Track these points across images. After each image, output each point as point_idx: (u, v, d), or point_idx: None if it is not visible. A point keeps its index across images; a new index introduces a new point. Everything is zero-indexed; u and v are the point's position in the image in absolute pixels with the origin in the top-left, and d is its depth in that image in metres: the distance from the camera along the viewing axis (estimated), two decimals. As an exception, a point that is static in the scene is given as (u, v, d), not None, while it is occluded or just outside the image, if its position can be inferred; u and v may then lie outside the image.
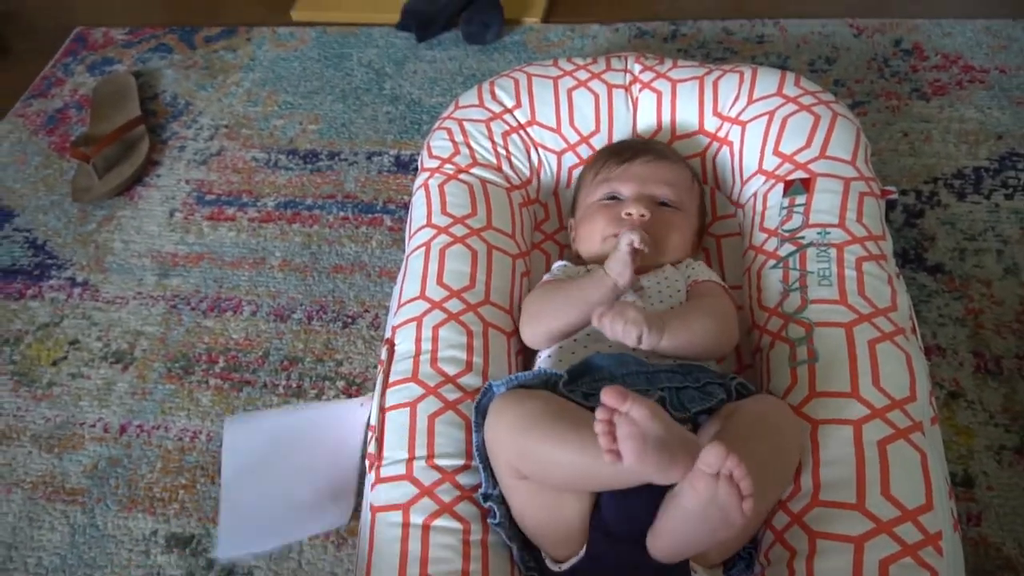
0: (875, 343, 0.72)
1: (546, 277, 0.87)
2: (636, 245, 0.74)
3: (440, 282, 0.83)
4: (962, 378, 0.90)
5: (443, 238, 0.88)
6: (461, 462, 0.72)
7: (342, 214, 1.19)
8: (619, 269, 0.75)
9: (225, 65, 1.47)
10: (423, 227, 0.90)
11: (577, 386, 0.68)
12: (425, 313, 0.81)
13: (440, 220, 0.89)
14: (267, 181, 1.26)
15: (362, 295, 1.09)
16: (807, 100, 0.92)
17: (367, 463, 0.75)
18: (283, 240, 1.17)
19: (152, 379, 1.04)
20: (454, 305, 0.82)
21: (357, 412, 0.81)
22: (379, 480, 0.72)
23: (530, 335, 0.81)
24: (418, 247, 0.88)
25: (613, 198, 0.88)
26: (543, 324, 0.80)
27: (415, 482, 0.70)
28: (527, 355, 0.85)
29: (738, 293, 0.89)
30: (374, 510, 0.71)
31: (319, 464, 0.89)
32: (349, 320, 1.06)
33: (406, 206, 1.18)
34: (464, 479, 0.71)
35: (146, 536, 0.90)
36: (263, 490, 0.89)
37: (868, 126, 1.16)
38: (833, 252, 0.79)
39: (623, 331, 0.66)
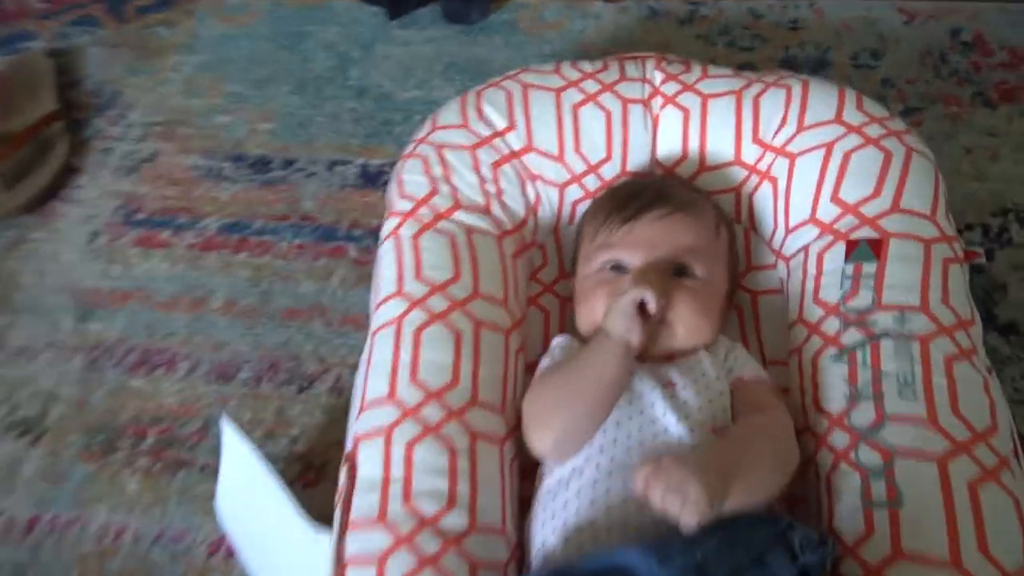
0: (977, 485, 0.56)
1: (544, 363, 0.70)
2: (651, 309, 0.60)
3: (414, 379, 0.65)
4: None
5: (418, 315, 0.69)
6: (443, 644, 0.56)
7: (298, 241, 1.00)
8: (625, 324, 0.61)
9: (161, 44, 1.24)
10: (393, 296, 0.71)
11: None
12: (395, 424, 0.64)
13: (414, 288, 0.71)
14: (208, 196, 1.05)
15: (321, 349, 0.91)
16: (874, 131, 0.74)
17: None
18: (227, 274, 0.98)
19: (67, 457, 0.86)
20: (432, 413, 0.64)
21: (316, 550, 0.64)
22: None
23: (539, 444, 0.64)
24: (386, 324, 0.70)
25: (617, 267, 0.70)
26: (551, 429, 0.63)
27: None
28: (526, 462, 0.68)
29: (780, 373, 0.73)
30: None
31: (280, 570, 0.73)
32: (306, 383, 0.88)
33: (374, 232, 0.99)
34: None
35: (60, 669, 0.74)
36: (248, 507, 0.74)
37: (925, 138, 0.97)
38: (916, 348, 0.62)
39: (683, 511, 0.50)
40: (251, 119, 1.12)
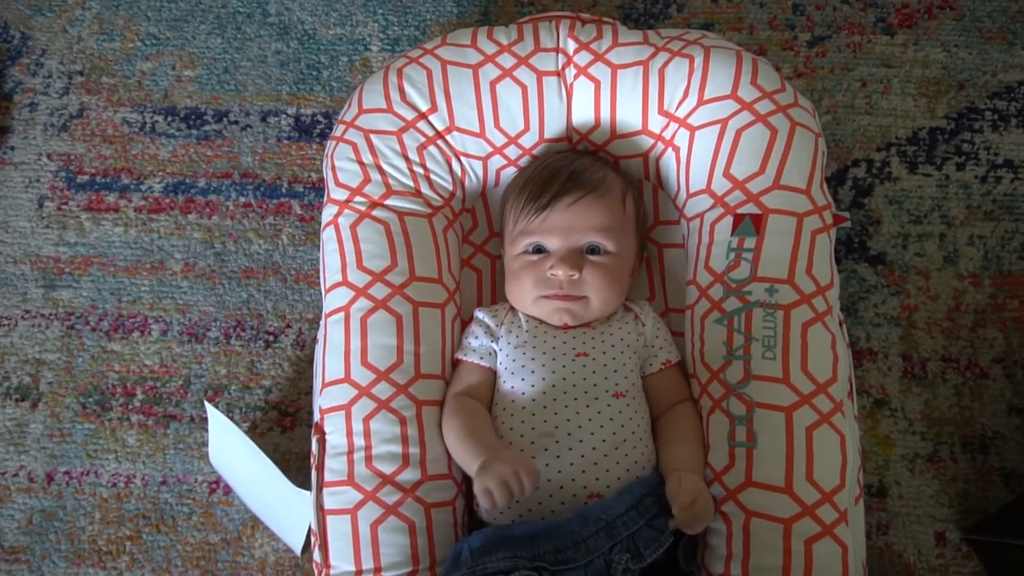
0: (812, 429, 0.72)
1: (458, 355, 0.82)
2: (498, 502, 0.66)
3: (365, 362, 0.77)
4: (889, 384, 0.93)
5: (363, 303, 0.79)
6: (408, 569, 0.73)
7: (243, 199, 1.05)
8: (487, 499, 0.67)
9: (60, -26, 1.17)
10: (339, 284, 0.81)
11: (544, 563, 0.65)
12: (353, 401, 0.76)
13: (357, 278, 0.80)
14: (147, 154, 1.08)
15: (280, 306, 1.00)
16: (764, 107, 0.81)
17: (315, 569, 0.75)
18: (180, 237, 1.04)
19: (67, 417, 0.98)
20: (382, 390, 0.76)
21: (300, 501, 0.79)
22: (329, 592, 0.73)
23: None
24: (336, 310, 0.80)
25: (538, 250, 0.80)
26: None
27: (365, 597, 0.72)
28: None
29: (679, 319, 0.86)
30: (330, 622, 0.73)
31: (272, 512, 0.89)
32: (271, 338, 0.99)
33: (315, 186, 1.05)
34: (412, 586, 0.73)
35: (103, 591, 0.91)
36: (237, 464, 0.88)
37: (826, 72, 1.04)
38: (779, 316, 0.75)
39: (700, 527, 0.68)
40: (175, 65, 1.11)
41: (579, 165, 0.83)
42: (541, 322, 0.81)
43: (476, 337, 0.82)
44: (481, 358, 0.80)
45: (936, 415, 0.91)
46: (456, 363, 0.82)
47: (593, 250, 0.80)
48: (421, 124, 0.85)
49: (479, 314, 0.83)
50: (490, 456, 0.68)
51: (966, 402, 0.92)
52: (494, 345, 0.81)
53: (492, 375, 0.80)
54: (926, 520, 0.88)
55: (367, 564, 0.72)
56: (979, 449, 0.91)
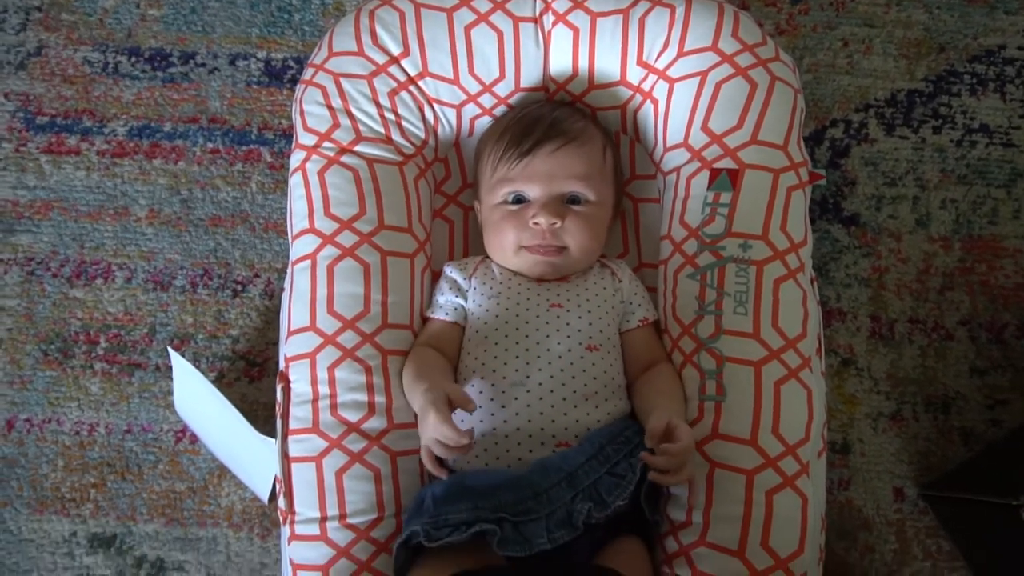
0: (780, 383, 0.72)
1: (426, 313, 0.81)
2: (437, 453, 0.67)
3: (331, 311, 0.76)
4: (856, 344, 0.94)
5: (330, 250, 0.77)
6: (373, 516, 0.73)
7: (211, 145, 1.02)
8: (428, 456, 0.68)
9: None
10: (306, 231, 0.79)
11: (506, 514, 0.65)
12: (318, 350, 0.75)
13: (324, 225, 0.78)
14: (110, 96, 1.04)
15: (249, 255, 0.98)
16: (744, 60, 0.79)
17: (280, 516, 0.75)
18: (145, 182, 1.01)
19: (28, 365, 0.96)
20: (348, 339, 0.75)
21: (266, 449, 0.78)
22: (295, 537, 0.73)
23: None
24: (303, 257, 0.78)
25: (518, 200, 0.78)
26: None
27: (330, 543, 0.71)
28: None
29: (652, 275, 0.86)
30: (295, 567, 0.73)
31: (238, 460, 0.89)
32: (239, 287, 0.97)
33: (285, 133, 1.02)
34: (378, 533, 0.73)
35: (66, 538, 0.90)
36: (203, 413, 0.88)
37: (808, 30, 1.02)
38: (752, 272, 0.75)
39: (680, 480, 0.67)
40: (138, 3, 1.07)
41: (560, 114, 0.81)
42: (515, 274, 0.80)
43: (442, 293, 0.81)
44: (447, 314, 0.79)
45: (901, 375, 0.93)
46: (425, 320, 0.81)
47: (574, 199, 0.79)
48: (393, 68, 0.83)
49: (447, 269, 0.82)
50: (423, 411, 0.67)
51: (930, 363, 0.93)
52: (461, 300, 0.80)
53: (459, 329, 0.79)
54: (886, 476, 0.90)
55: (332, 511, 0.72)
56: (941, 409, 0.92)
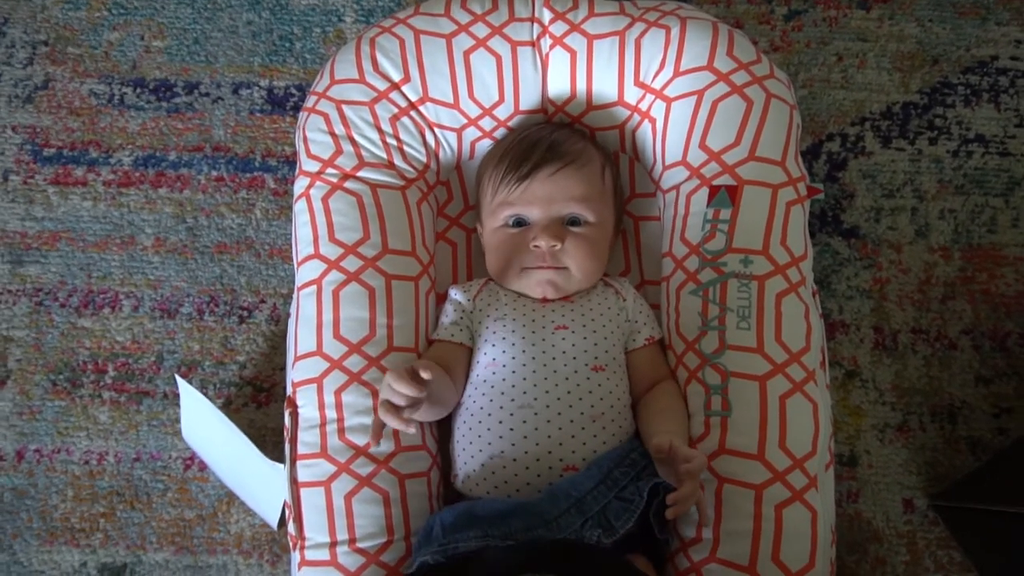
0: (786, 397, 0.73)
1: (432, 336, 0.82)
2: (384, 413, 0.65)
3: (337, 335, 0.76)
4: (860, 355, 0.94)
5: (335, 275, 0.78)
6: (383, 539, 0.73)
7: (215, 173, 1.03)
8: (384, 408, 0.65)
9: (20, -61, 1.13)
10: (311, 257, 0.80)
11: (516, 541, 0.65)
12: (325, 374, 0.76)
13: (329, 251, 0.79)
14: (116, 127, 1.05)
15: (254, 281, 0.99)
16: (740, 78, 0.81)
17: (290, 541, 0.75)
18: (151, 211, 1.02)
19: (37, 395, 0.96)
20: (354, 363, 0.76)
21: (275, 474, 0.79)
22: (305, 562, 0.73)
23: None
24: (309, 283, 0.79)
25: (519, 223, 0.79)
26: None
27: (341, 568, 0.72)
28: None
29: (654, 291, 0.86)
30: (304, 594, 0.73)
31: (247, 486, 0.89)
32: (245, 313, 0.98)
33: (289, 160, 1.03)
34: (388, 557, 0.73)
35: (76, 568, 0.91)
36: (211, 439, 0.87)
37: (802, 46, 1.04)
38: (754, 287, 0.76)
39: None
40: (143, 35, 1.09)
41: (558, 136, 0.82)
42: (520, 295, 0.81)
43: (447, 315, 0.81)
44: (452, 335, 0.80)
45: (906, 386, 0.93)
46: (431, 343, 0.82)
47: (573, 221, 0.80)
48: (394, 95, 0.84)
49: (452, 292, 0.83)
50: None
51: (935, 373, 0.93)
52: (466, 322, 0.80)
53: (465, 351, 0.80)
54: (895, 488, 0.90)
55: (342, 535, 0.72)
56: (947, 419, 0.92)
